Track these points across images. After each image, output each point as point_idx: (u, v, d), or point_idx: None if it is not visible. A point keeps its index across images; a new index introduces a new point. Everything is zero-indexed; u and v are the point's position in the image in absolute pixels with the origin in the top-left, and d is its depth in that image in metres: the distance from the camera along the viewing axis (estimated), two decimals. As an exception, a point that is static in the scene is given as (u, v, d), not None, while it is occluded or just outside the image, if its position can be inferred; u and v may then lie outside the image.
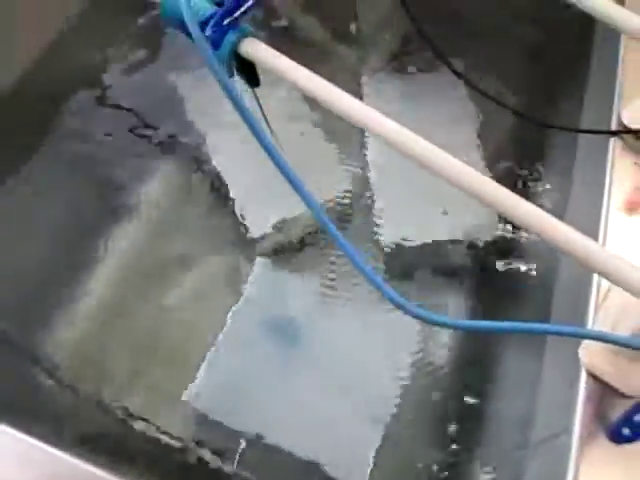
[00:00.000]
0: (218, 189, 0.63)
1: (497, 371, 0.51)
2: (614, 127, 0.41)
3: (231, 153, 0.63)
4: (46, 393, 0.55)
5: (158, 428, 0.53)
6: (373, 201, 0.60)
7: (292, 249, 0.62)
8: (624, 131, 0.40)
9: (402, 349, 0.55)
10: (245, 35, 0.37)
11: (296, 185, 0.34)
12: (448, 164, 0.32)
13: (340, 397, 0.52)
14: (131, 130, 0.65)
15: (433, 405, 0.52)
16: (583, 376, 0.32)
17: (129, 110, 0.64)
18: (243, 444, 0.51)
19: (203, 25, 0.37)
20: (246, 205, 0.61)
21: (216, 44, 0.36)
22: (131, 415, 0.54)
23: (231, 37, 0.37)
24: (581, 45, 0.52)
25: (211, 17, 0.36)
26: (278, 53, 0.37)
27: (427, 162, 0.33)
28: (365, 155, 0.63)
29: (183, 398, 0.52)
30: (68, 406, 0.55)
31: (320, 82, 0.36)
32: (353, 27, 0.60)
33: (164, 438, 0.53)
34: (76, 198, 0.62)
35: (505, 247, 0.57)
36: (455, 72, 0.44)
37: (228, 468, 0.51)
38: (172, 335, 0.59)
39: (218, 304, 0.59)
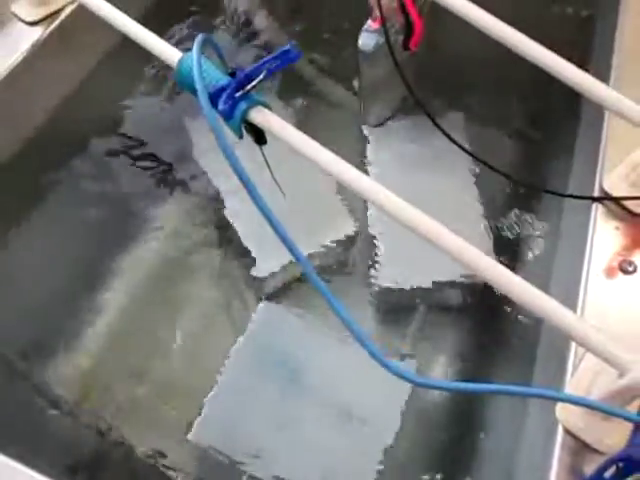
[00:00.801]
0: (225, 229, 0.66)
1: (483, 417, 0.54)
2: (596, 193, 0.44)
3: (240, 195, 0.66)
4: (47, 422, 0.56)
5: (159, 461, 0.55)
6: (372, 242, 0.63)
7: (294, 288, 0.64)
8: (605, 197, 0.43)
9: (398, 386, 0.57)
10: (255, 104, 0.40)
11: (282, 236, 0.37)
12: (443, 237, 0.35)
13: (338, 431, 0.54)
14: (143, 171, 0.68)
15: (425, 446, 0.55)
16: (560, 432, 0.35)
17: (142, 153, 0.68)
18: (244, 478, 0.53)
19: (216, 93, 0.40)
20: (252, 245, 0.63)
21: (228, 116, 0.39)
22: (132, 448, 0.56)
23: (242, 106, 0.40)
24: (571, 115, 0.55)
25: (223, 88, 0.40)
26: (285, 123, 0.40)
27: (425, 235, 0.36)
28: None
29: (189, 436, 0.54)
30: (69, 436, 0.57)
31: (324, 152, 0.39)
32: (355, 83, 0.64)
33: (165, 471, 0.55)
34: (87, 234, 0.65)
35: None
36: (446, 134, 0.47)
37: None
38: (175, 370, 0.61)
39: (221, 340, 0.61)
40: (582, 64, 0.58)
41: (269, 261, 0.62)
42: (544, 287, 0.48)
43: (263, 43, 0.72)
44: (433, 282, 0.60)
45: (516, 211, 0.63)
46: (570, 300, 0.40)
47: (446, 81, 0.68)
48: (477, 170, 0.65)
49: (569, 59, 0.57)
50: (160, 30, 0.67)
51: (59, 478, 0.36)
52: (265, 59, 0.39)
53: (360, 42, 0.56)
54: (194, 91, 0.39)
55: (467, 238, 0.62)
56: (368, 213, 0.64)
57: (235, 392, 0.57)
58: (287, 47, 0.39)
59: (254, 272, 0.62)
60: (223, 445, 0.54)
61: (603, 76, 0.51)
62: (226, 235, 0.66)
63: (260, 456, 0.54)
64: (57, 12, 0.53)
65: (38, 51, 0.52)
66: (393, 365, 0.31)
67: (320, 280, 0.36)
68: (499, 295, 0.58)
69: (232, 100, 0.39)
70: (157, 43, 0.45)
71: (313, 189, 0.66)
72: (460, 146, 0.47)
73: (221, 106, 0.39)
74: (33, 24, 0.53)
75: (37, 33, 0.53)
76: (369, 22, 0.56)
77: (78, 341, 0.61)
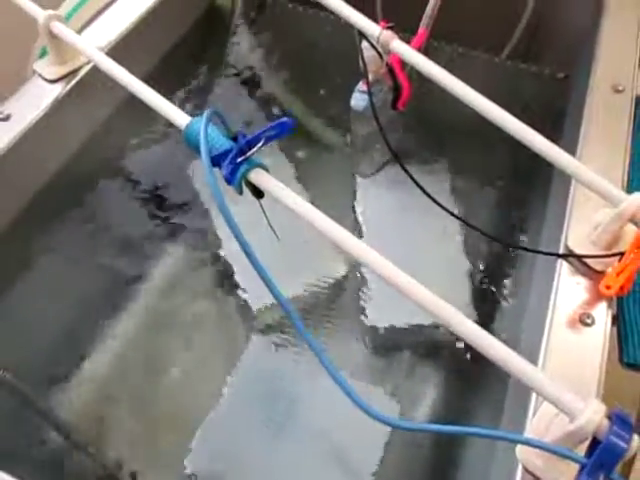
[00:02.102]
0: (222, 265, 0.70)
1: (459, 454, 0.57)
2: (562, 250, 0.49)
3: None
4: (50, 447, 0.59)
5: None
6: (363, 281, 0.67)
7: (288, 324, 0.66)
8: (568, 255, 0.48)
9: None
10: (254, 166, 0.45)
11: (263, 277, 0.41)
12: (424, 297, 0.40)
13: (330, 466, 0.57)
14: (147, 211, 0.72)
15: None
16: (520, 470, 0.39)
17: (147, 195, 0.72)
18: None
19: (220, 156, 0.45)
20: (248, 281, 0.66)
21: (230, 180, 0.44)
22: (131, 475, 0.59)
23: (242, 169, 0.44)
24: (545, 173, 0.60)
25: (226, 153, 0.45)
26: (282, 185, 0.45)
27: (408, 294, 0.40)
28: (358, 234, 0.70)
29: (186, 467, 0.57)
30: (69, 461, 0.60)
31: (316, 212, 0.43)
32: (348, 138, 0.69)
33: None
34: (92, 272, 0.68)
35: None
36: (425, 193, 0.52)
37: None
38: (172, 401, 0.64)
39: (216, 375, 0.63)
40: (558, 124, 0.64)
41: (262, 296, 0.65)
42: (516, 334, 0.53)
43: (265, 95, 0.77)
44: (420, 323, 0.63)
45: (495, 262, 0.67)
46: (535, 348, 0.44)
47: (433, 135, 0.73)
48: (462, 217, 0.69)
49: (546, 118, 0.63)
50: (168, 84, 0.73)
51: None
52: (264, 128, 0.44)
53: (352, 102, 0.62)
54: (199, 152, 0.44)
55: (447, 285, 0.67)
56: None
57: (226, 427, 0.59)
58: (284, 119, 0.44)
59: (248, 306, 0.66)
60: (214, 475, 0.57)
61: (574, 139, 0.56)
62: (222, 271, 0.70)
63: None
64: (75, 71, 0.59)
65: (57, 107, 0.57)
66: (374, 411, 0.35)
67: (301, 323, 0.40)
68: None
69: (234, 165, 0.44)
70: (166, 106, 0.49)
71: (306, 230, 0.70)
72: (437, 202, 0.51)
73: (224, 172, 0.43)
74: (53, 82, 0.58)
75: (57, 90, 0.58)
76: (360, 83, 0.61)
77: (82, 372, 0.64)
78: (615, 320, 0.50)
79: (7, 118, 0.55)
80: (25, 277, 0.62)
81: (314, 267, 0.68)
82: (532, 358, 0.44)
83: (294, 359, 0.65)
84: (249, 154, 0.44)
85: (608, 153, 0.53)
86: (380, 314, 0.65)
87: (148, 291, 0.70)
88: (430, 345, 0.65)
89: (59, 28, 0.54)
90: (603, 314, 0.45)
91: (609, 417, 0.34)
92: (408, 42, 0.59)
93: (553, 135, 0.60)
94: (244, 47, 0.77)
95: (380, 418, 0.35)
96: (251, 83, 0.77)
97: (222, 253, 0.69)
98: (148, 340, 0.68)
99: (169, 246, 0.72)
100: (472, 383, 0.62)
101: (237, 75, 0.77)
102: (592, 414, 0.34)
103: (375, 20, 0.80)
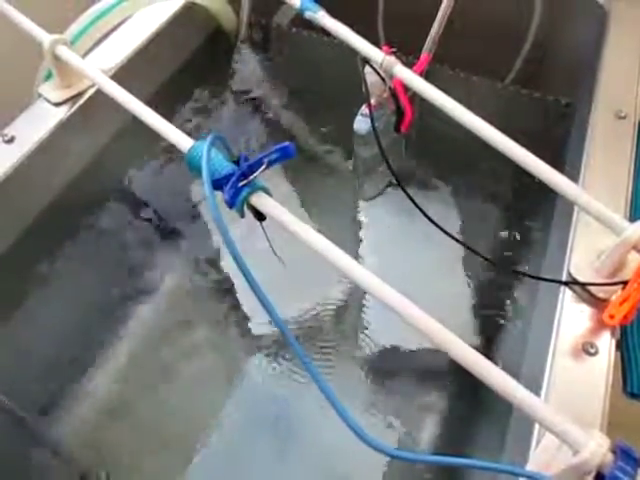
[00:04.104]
0: (224, 285, 0.70)
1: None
2: (564, 278, 0.48)
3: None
4: (46, 471, 0.59)
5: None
6: (364, 306, 0.67)
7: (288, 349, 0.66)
8: (571, 282, 0.47)
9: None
10: (256, 190, 0.45)
11: (262, 301, 0.40)
12: (423, 322, 0.39)
13: None
14: (148, 229, 0.72)
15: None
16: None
17: (149, 215, 0.73)
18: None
19: (222, 180, 0.45)
20: (247, 301, 0.66)
21: (231, 203, 0.44)
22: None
23: (244, 192, 0.44)
24: (549, 198, 0.60)
25: (228, 176, 0.45)
26: (283, 209, 0.45)
27: (408, 319, 0.40)
28: (360, 257, 0.70)
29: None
30: None
31: (318, 238, 0.43)
32: (350, 163, 0.70)
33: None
34: (92, 294, 0.68)
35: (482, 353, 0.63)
36: (426, 216, 0.52)
37: None
38: (170, 424, 0.63)
39: (215, 396, 0.63)
40: (561, 150, 0.64)
41: (263, 319, 0.65)
42: (519, 362, 0.52)
43: (269, 118, 0.78)
44: (421, 348, 0.63)
45: (498, 287, 0.66)
46: (538, 377, 0.44)
47: (437, 158, 0.74)
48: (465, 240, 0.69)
49: (549, 144, 0.62)
50: (172, 106, 0.73)
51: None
52: (266, 152, 0.44)
53: (355, 125, 0.62)
54: (201, 175, 0.44)
55: (448, 310, 0.66)
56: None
57: (224, 450, 0.59)
58: (286, 144, 0.44)
59: (249, 328, 0.66)
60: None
61: (577, 165, 0.56)
62: (224, 290, 0.70)
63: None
64: (80, 94, 0.59)
65: (62, 129, 0.57)
66: (370, 438, 0.34)
67: (300, 348, 0.39)
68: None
69: (235, 189, 0.44)
70: (169, 129, 0.50)
71: (308, 253, 0.70)
72: (438, 226, 0.51)
73: (226, 196, 0.43)
74: (58, 104, 0.58)
75: (61, 113, 0.58)
76: (364, 107, 0.61)
77: (79, 394, 0.64)
78: (618, 348, 0.49)
79: (11, 140, 0.55)
80: (25, 299, 0.62)
81: (315, 291, 0.68)
82: (535, 387, 0.43)
83: (294, 382, 0.64)
84: (251, 178, 0.44)
85: (611, 180, 0.53)
86: (381, 338, 0.65)
87: (148, 312, 0.70)
88: (431, 370, 0.65)
89: (64, 52, 0.54)
90: (607, 343, 0.44)
91: (613, 450, 0.34)
92: (410, 65, 0.59)
93: (556, 162, 0.60)
94: (248, 70, 0.78)
95: (378, 447, 0.35)
96: (255, 106, 0.78)
97: (224, 276, 0.69)
98: (147, 361, 0.68)
99: (170, 268, 0.72)
100: (474, 410, 0.61)
101: (241, 98, 0.77)
102: (596, 447, 0.33)
103: (377, 42, 0.81)
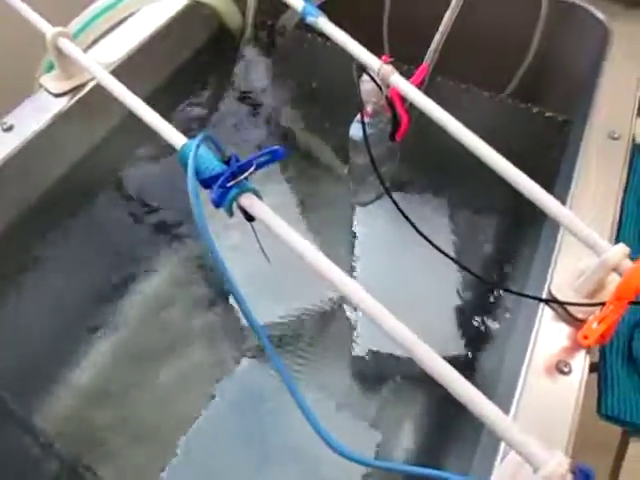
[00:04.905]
0: (216, 285, 0.71)
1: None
2: (544, 295, 0.49)
3: (232, 251, 0.70)
4: (31, 459, 0.60)
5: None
6: (353, 308, 0.67)
7: (280, 346, 0.67)
8: (550, 300, 0.48)
9: (361, 447, 0.59)
10: (245, 191, 0.45)
11: (240, 303, 0.41)
12: (399, 331, 0.40)
13: None
14: (145, 225, 0.73)
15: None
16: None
17: (145, 209, 0.73)
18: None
19: (211, 179, 0.46)
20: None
21: (217, 204, 0.44)
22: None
23: (233, 192, 0.45)
24: (537, 221, 0.60)
25: (218, 176, 0.45)
26: (272, 212, 0.45)
27: (385, 327, 0.40)
28: (353, 263, 0.71)
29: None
30: (50, 474, 0.60)
31: (303, 242, 0.44)
32: (345, 169, 0.70)
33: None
34: (85, 283, 0.69)
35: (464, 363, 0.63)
36: (413, 225, 0.52)
37: None
38: (155, 416, 0.64)
39: (200, 393, 0.64)
40: (554, 167, 0.64)
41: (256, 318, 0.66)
42: (496, 375, 0.53)
43: (268, 119, 0.78)
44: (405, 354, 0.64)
45: (484, 299, 0.67)
46: (510, 392, 0.44)
47: (433, 167, 0.74)
48: (455, 251, 0.70)
49: (543, 160, 0.63)
50: (173, 103, 0.74)
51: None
52: (256, 154, 0.45)
53: (351, 132, 0.62)
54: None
55: (434, 319, 0.67)
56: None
57: (206, 446, 0.60)
58: (276, 147, 0.45)
59: (240, 327, 0.66)
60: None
61: (567, 183, 0.56)
62: (216, 290, 0.71)
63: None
64: (80, 86, 0.60)
65: (60, 120, 0.58)
66: (335, 442, 0.35)
67: (275, 353, 0.40)
68: (465, 369, 0.63)
69: (224, 189, 0.45)
70: (164, 126, 0.50)
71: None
72: (424, 236, 0.52)
73: (213, 195, 0.44)
74: (58, 96, 0.59)
75: (61, 104, 0.59)
76: (359, 115, 0.62)
77: (68, 383, 0.65)
78: (594, 369, 0.49)
79: (10, 129, 0.56)
80: (18, 284, 0.63)
81: (303, 292, 0.68)
82: (506, 402, 0.44)
83: (281, 383, 0.65)
84: (240, 178, 0.44)
85: (599, 201, 0.53)
86: (367, 343, 0.65)
87: (141, 304, 0.71)
88: (415, 376, 0.65)
89: (66, 45, 0.55)
90: (580, 364, 0.45)
91: (573, 471, 0.34)
92: (412, 75, 0.60)
93: (549, 178, 0.61)
94: (251, 70, 0.78)
95: (349, 456, 0.35)
96: (256, 106, 0.79)
97: (218, 273, 0.70)
98: (136, 352, 0.68)
99: (163, 261, 0.73)
100: (452, 418, 0.62)
101: (242, 97, 0.78)
102: (556, 466, 0.34)
103: (381, 50, 0.81)
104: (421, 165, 0.74)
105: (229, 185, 0.45)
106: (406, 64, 0.70)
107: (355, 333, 0.66)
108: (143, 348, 0.69)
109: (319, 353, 0.68)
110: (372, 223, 0.73)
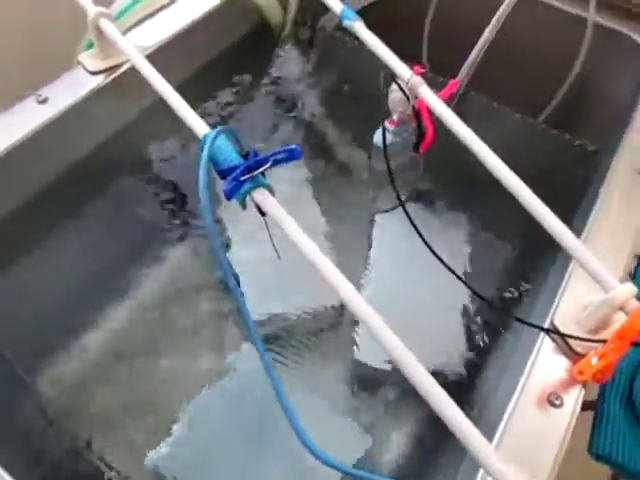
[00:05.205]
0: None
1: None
2: (547, 325, 0.48)
3: (245, 244, 0.71)
4: (30, 425, 0.61)
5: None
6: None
7: (282, 337, 0.68)
8: (552, 331, 0.47)
9: (353, 445, 0.60)
10: (259, 185, 0.46)
11: (236, 296, 0.42)
12: (391, 341, 0.40)
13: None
14: (166, 205, 0.74)
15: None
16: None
17: (168, 191, 0.75)
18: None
19: (228, 170, 0.46)
20: (251, 290, 0.65)
21: (228, 194, 0.45)
22: (102, 460, 0.60)
23: (247, 186, 0.46)
24: (553, 250, 0.59)
25: (234, 168, 0.46)
26: (282, 209, 0.45)
27: (378, 336, 0.40)
28: (367, 267, 0.70)
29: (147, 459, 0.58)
30: (48, 441, 0.61)
31: (308, 242, 0.44)
32: (365, 174, 0.70)
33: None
34: (101, 256, 0.70)
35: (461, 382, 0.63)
36: (423, 240, 0.52)
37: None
38: (155, 393, 0.65)
39: (200, 375, 0.65)
40: (578, 197, 0.63)
41: (258, 307, 0.66)
42: (490, 399, 0.52)
43: (298, 116, 0.79)
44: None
45: (490, 318, 0.66)
46: (498, 418, 0.44)
47: (457, 181, 0.73)
48: (468, 269, 0.69)
49: (568, 188, 0.62)
50: (205, 92, 0.75)
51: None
52: (274, 151, 0.45)
53: (375, 138, 0.62)
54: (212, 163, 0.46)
55: (439, 332, 0.66)
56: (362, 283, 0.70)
57: (199, 428, 0.61)
58: (294, 146, 0.45)
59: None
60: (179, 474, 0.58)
61: (587, 215, 0.55)
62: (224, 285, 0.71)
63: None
64: (116, 66, 0.61)
65: (94, 97, 0.60)
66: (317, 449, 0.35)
67: (264, 348, 0.40)
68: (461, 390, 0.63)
69: (237, 181, 0.45)
70: (189, 114, 0.51)
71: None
72: (434, 252, 0.51)
73: (225, 186, 0.44)
74: (94, 73, 0.61)
75: (96, 82, 0.61)
76: (386, 122, 0.62)
77: (72, 353, 0.66)
78: (589, 407, 0.49)
79: (45, 101, 0.58)
80: (38, 252, 0.64)
81: (311, 292, 0.68)
82: (493, 427, 0.44)
83: (281, 373, 0.65)
84: (255, 173, 0.45)
85: (617, 236, 0.52)
86: (370, 348, 0.65)
87: (151, 281, 0.72)
88: (412, 386, 0.65)
89: (106, 25, 0.56)
90: (573, 399, 0.44)
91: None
92: (442, 88, 0.59)
93: (571, 206, 0.60)
94: (287, 66, 0.79)
95: (327, 461, 0.35)
96: (287, 103, 0.79)
97: (230, 260, 0.70)
98: (142, 330, 0.69)
99: (180, 244, 0.74)
100: (445, 431, 0.61)
101: (275, 93, 0.79)
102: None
103: (421, 60, 0.81)
104: (444, 179, 0.73)
105: (243, 178, 0.45)
106: (443, 76, 0.70)
107: (359, 338, 0.66)
108: (155, 323, 0.69)
109: (319, 353, 0.68)
110: (390, 230, 0.73)
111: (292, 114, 0.79)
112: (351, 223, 0.75)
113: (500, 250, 0.72)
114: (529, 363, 0.46)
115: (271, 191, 0.46)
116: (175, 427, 0.60)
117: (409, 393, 0.65)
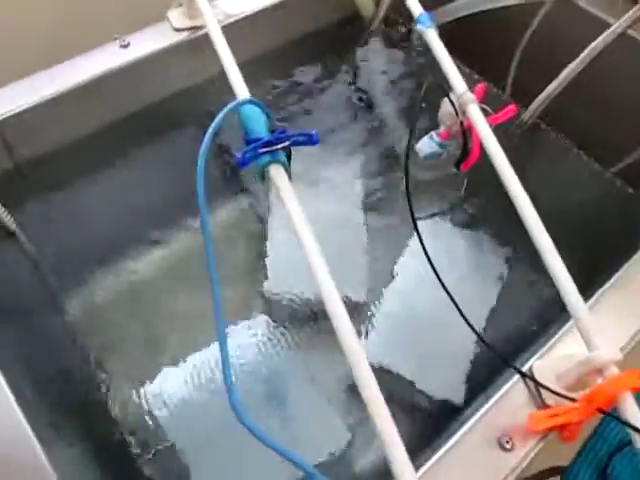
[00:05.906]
0: (259, 243, 0.73)
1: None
2: (525, 368, 0.46)
3: (281, 233, 0.73)
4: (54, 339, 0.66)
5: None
6: (370, 315, 0.68)
7: (299, 318, 0.69)
8: (527, 376, 0.45)
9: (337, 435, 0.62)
10: (276, 161, 0.48)
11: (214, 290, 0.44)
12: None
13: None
14: (217, 164, 0.77)
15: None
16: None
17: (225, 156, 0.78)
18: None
19: (252, 141, 0.48)
20: (272, 266, 0.69)
21: (242, 163, 0.47)
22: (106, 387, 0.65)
23: (265, 159, 0.48)
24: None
25: (257, 140, 0.48)
26: (291, 188, 0.47)
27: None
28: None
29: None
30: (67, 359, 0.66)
31: (305, 229, 0.44)
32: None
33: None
34: (149, 194, 0.74)
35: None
36: (431, 264, 0.51)
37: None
38: (169, 329, 0.68)
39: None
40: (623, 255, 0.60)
41: (279, 285, 0.69)
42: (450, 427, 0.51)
43: (366, 108, 0.79)
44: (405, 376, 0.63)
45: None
46: (439, 445, 0.43)
47: (496, 204, 0.70)
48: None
49: (613, 244, 0.58)
50: (280, 69, 0.77)
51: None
52: (294, 133, 0.47)
53: (417, 145, 0.62)
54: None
55: (447, 360, 0.65)
56: (384, 290, 0.70)
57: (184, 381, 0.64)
58: (313, 132, 0.47)
59: (264, 286, 0.69)
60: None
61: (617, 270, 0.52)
62: (259, 252, 0.74)
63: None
64: (198, 28, 0.65)
65: (172, 51, 0.64)
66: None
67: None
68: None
69: (255, 152, 0.47)
70: (240, 84, 0.54)
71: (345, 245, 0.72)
72: (438, 276, 0.50)
73: (239, 155, 0.47)
74: (178, 30, 0.65)
75: (178, 37, 0.65)
76: (434, 132, 0.61)
77: (103, 281, 0.70)
78: (557, 472, 0.46)
79: (126, 46, 0.63)
80: (97, 179, 0.70)
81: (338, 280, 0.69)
82: (434, 451, 0.43)
83: (285, 350, 0.67)
84: (273, 148, 0.47)
85: (631, 305, 0.49)
86: (377, 350, 0.65)
87: (183, 231, 0.74)
88: (406, 396, 0.65)
89: (193, -14, 0.60)
90: (525, 447, 0.42)
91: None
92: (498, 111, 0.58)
93: (608, 261, 0.57)
94: (368, 60, 0.79)
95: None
96: (358, 94, 0.79)
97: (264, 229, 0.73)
98: (175, 271, 0.72)
99: (223, 203, 0.76)
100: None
101: (349, 84, 0.79)
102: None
103: (505, 84, 0.78)
104: (488, 203, 0.71)
105: (261, 151, 0.47)
106: (523, 103, 0.68)
107: (368, 337, 0.66)
108: (184, 269, 0.72)
109: (324, 345, 0.68)
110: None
111: (361, 107, 0.79)
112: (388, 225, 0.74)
113: (530, 287, 0.69)
114: (494, 399, 0.45)
115: (287, 170, 0.48)
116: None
117: (409, 402, 0.65)
